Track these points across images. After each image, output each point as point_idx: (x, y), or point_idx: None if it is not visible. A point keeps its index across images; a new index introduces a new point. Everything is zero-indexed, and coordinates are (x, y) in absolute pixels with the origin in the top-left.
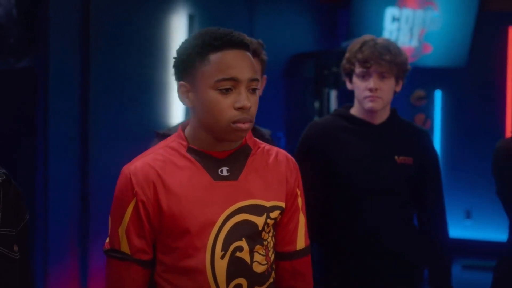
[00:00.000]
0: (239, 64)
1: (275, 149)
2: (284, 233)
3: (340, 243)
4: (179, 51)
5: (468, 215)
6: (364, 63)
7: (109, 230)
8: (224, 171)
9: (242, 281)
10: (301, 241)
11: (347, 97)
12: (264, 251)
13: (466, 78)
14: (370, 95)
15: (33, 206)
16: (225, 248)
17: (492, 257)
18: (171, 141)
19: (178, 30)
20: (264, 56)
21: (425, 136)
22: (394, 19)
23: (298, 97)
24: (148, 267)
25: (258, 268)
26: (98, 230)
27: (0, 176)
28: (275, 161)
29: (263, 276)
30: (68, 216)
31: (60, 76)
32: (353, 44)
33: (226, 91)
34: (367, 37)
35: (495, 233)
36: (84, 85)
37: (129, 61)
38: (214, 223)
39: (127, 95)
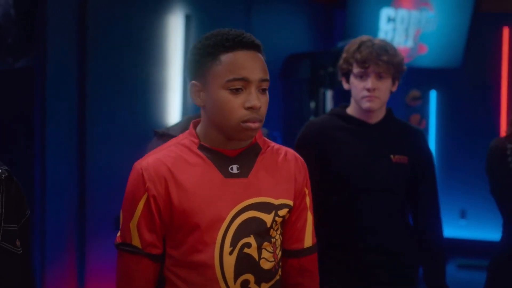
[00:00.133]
0: (250, 64)
1: (284, 148)
2: (292, 231)
3: (337, 241)
4: (191, 51)
5: (463, 215)
6: (363, 63)
7: (121, 224)
8: (234, 168)
9: (250, 276)
10: (308, 239)
11: (342, 97)
12: (272, 248)
13: (461, 78)
14: (368, 95)
15: (31, 205)
16: (233, 244)
17: (487, 256)
18: (182, 138)
19: (175, 30)
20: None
21: (420, 136)
22: (390, 19)
23: (294, 97)
24: (158, 261)
25: (266, 265)
26: (96, 229)
27: (3, 173)
28: (284, 160)
29: (270, 273)
30: (65, 216)
31: (58, 76)
32: (351, 45)
33: (237, 91)
34: (364, 37)
35: (490, 233)
36: (82, 85)
37: (126, 61)
38: (224, 219)
39: (124, 95)
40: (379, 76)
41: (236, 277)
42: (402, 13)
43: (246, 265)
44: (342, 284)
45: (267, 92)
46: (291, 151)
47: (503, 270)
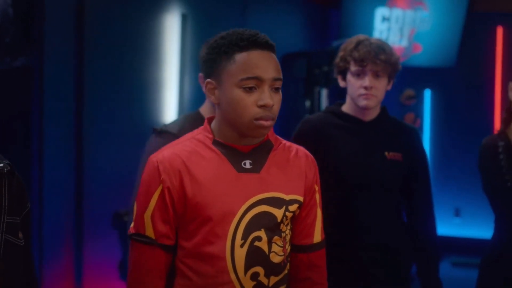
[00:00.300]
0: (263, 64)
1: (295, 146)
2: (302, 226)
3: (332, 237)
4: (207, 50)
5: (457, 213)
6: (361, 61)
7: (135, 215)
8: (247, 164)
9: (259, 269)
10: (317, 235)
11: (338, 96)
12: (282, 243)
13: (455, 77)
14: (365, 93)
15: None
16: (245, 237)
17: (481, 254)
18: (197, 133)
19: (171, 29)
20: None
21: (414, 134)
22: (384, 19)
23: (290, 95)
24: (170, 252)
25: (275, 259)
26: (93, 227)
27: (5, 167)
28: (295, 157)
29: (279, 267)
30: (63, 213)
31: (56, 74)
32: (348, 43)
33: (250, 89)
34: (361, 36)
35: (484, 231)
36: (79, 83)
37: (123, 60)
38: (236, 212)
39: (121, 94)
40: (376, 75)
41: (246, 269)
42: (397, 12)
43: (256, 258)
44: (339, 281)
45: (280, 91)
46: (302, 149)
47: (495, 268)
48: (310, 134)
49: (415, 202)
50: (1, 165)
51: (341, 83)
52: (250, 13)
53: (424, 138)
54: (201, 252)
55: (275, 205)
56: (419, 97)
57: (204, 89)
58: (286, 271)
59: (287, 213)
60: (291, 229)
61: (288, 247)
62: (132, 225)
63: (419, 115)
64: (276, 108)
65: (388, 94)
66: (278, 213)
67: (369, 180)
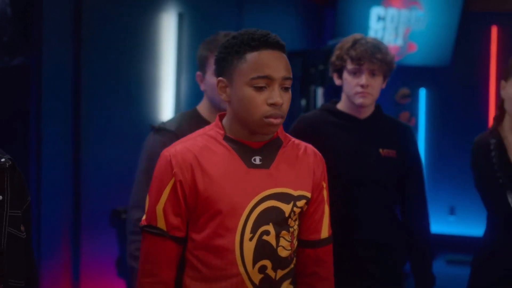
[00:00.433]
0: (273, 63)
1: (303, 143)
2: (309, 222)
3: None
4: (219, 50)
5: (452, 211)
6: (358, 60)
7: (147, 208)
8: (257, 159)
9: (267, 262)
10: (325, 231)
11: (333, 95)
12: (290, 238)
13: (450, 76)
14: (361, 91)
15: None
16: (253, 231)
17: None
18: (209, 129)
19: (168, 28)
20: None
21: (408, 131)
22: (380, 18)
23: None
24: (181, 244)
25: (283, 253)
26: (91, 225)
27: (7, 162)
28: (304, 154)
29: (286, 261)
30: (61, 211)
31: (54, 73)
32: (344, 42)
33: (261, 88)
34: (357, 35)
35: (478, 229)
36: (77, 82)
37: (120, 58)
38: (245, 207)
39: (118, 92)
40: (372, 73)
41: (254, 262)
42: (392, 12)
43: (264, 252)
44: (334, 277)
45: (289, 90)
46: (310, 147)
47: (487, 266)
48: (306, 132)
49: (409, 200)
50: (3, 160)
51: (337, 81)
52: (246, 12)
53: (419, 137)
54: (210, 245)
55: (283, 200)
56: (414, 96)
57: (201, 87)
58: (292, 266)
59: (295, 209)
60: (299, 225)
61: (295, 242)
62: (144, 217)
63: (414, 114)
64: (286, 106)
65: (383, 93)
66: (286, 208)
67: (364, 177)
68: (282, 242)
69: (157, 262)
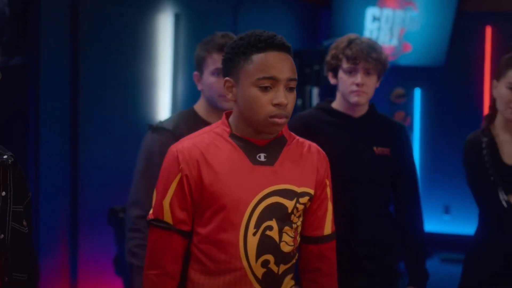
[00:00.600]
0: (279, 64)
1: (307, 142)
2: (313, 219)
3: None
4: (227, 50)
5: (446, 210)
6: (353, 59)
7: (154, 202)
8: (262, 156)
9: (270, 257)
10: (328, 227)
11: (328, 95)
12: (293, 234)
13: (444, 76)
14: (357, 89)
15: None
16: (257, 226)
17: None
18: (215, 126)
19: (164, 29)
20: None
21: (401, 129)
22: (375, 18)
23: None
24: (186, 238)
25: (285, 248)
26: (89, 223)
27: (9, 158)
28: (308, 152)
29: (289, 256)
30: (59, 211)
31: (51, 73)
32: (339, 42)
33: (266, 89)
34: (352, 35)
35: (473, 228)
36: (74, 82)
37: (117, 59)
38: (250, 202)
39: (115, 92)
40: (367, 72)
41: (257, 257)
42: (387, 12)
43: (267, 246)
44: None
45: (294, 90)
46: (314, 145)
47: (478, 264)
48: (301, 130)
49: (403, 197)
50: (5, 157)
51: (332, 80)
52: (241, 12)
53: (414, 136)
54: (215, 239)
55: (287, 196)
56: (409, 96)
57: (198, 87)
58: (294, 261)
59: (297, 205)
60: (302, 221)
61: (298, 238)
62: (151, 211)
63: (409, 113)
64: (290, 106)
65: (378, 92)
66: (289, 204)
67: (358, 175)
68: (285, 237)
69: (163, 255)
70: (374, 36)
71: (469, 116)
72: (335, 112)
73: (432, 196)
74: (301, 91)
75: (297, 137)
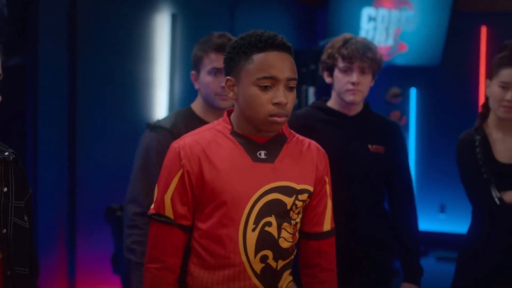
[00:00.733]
0: (279, 64)
1: (307, 140)
2: (312, 215)
3: None
4: (228, 50)
5: (442, 209)
6: (349, 59)
7: (155, 197)
8: (262, 154)
9: (268, 253)
10: (327, 224)
11: (324, 94)
12: (292, 230)
13: (440, 76)
14: (352, 88)
15: None
16: (256, 222)
17: None
18: (217, 124)
19: (161, 29)
20: None
21: (396, 128)
22: (371, 19)
23: None
24: (187, 232)
25: (284, 244)
26: (86, 223)
27: (10, 155)
28: (308, 150)
29: (287, 252)
30: (56, 209)
31: (49, 73)
32: (335, 41)
33: (266, 88)
34: (347, 35)
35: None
36: (72, 82)
37: (114, 59)
38: (250, 198)
39: (113, 92)
40: (363, 72)
41: (256, 252)
42: (383, 12)
43: (266, 242)
44: None
45: (294, 90)
46: (314, 143)
47: (471, 261)
48: (297, 129)
49: (397, 195)
50: (7, 153)
51: (327, 79)
52: (238, 13)
53: (409, 136)
54: (215, 234)
55: (286, 193)
56: (404, 96)
57: (195, 86)
58: (292, 257)
59: (296, 202)
60: (302, 218)
61: (297, 235)
62: (152, 206)
63: (404, 113)
64: (290, 105)
65: (374, 92)
66: (288, 201)
67: (354, 172)
68: (284, 233)
69: (164, 249)
70: (370, 36)
71: (464, 116)
72: (331, 111)
73: (428, 195)
74: (297, 90)
75: (297, 135)
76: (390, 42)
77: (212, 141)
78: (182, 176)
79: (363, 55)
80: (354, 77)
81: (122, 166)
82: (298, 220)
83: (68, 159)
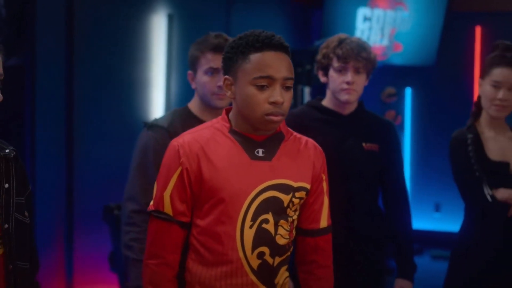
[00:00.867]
0: (275, 64)
1: (304, 138)
2: (309, 212)
3: None
4: (226, 49)
5: (437, 208)
6: (344, 58)
7: (154, 194)
8: (260, 152)
9: (265, 249)
10: (324, 221)
11: (319, 94)
12: (289, 227)
13: (435, 76)
14: (347, 87)
15: None
16: (254, 219)
17: None
18: (215, 122)
19: (158, 29)
20: None
21: (390, 127)
22: (366, 19)
23: None
24: (186, 229)
25: (281, 241)
26: (84, 221)
27: (11, 152)
28: (305, 148)
29: (284, 249)
30: (54, 208)
31: (47, 73)
32: (330, 41)
33: (262, 87)
34: (342, 35)
35: None
36: (70, 82)
37: (111, 59)
38: (247, 196)
39: (110, 92)
40: (357, 71)
41: (253, 249)
42: (378, 12)
43: (263, 239)
44: None
45: (291, 89)
46: (311, 141)
47: (464, 259)
48: (292, 127)
49: (391, 193)
50: (7, 150)
51: (322, 79)
52: (234, 13)
53: (405, 135)
54: (213, 231)
55: (283, 191)
56: (399, 95)
57: (192, 86)
58: (289, 253)
59: (293, 199)
60: (299, 215)
61: (294, 232)
62: (151, 203)
63: (399, 112)
64: (287, 105)
65: (369, 91)
66: (285, 198)
67: (348, 170)
68: (281, 230)
69: (163, 245)
70: (365, 36)
71: (459, 115)
72: (325, 110)
73: (423, 194)
74: (293, 90)
75: (295, 133)
76: (385, 42)
77: (210, 139)
78: (181, 174)
79: (357, 55)
80: (349, 76)
81: (120, 165)
82: (295, 217)
83: (66, 158)
